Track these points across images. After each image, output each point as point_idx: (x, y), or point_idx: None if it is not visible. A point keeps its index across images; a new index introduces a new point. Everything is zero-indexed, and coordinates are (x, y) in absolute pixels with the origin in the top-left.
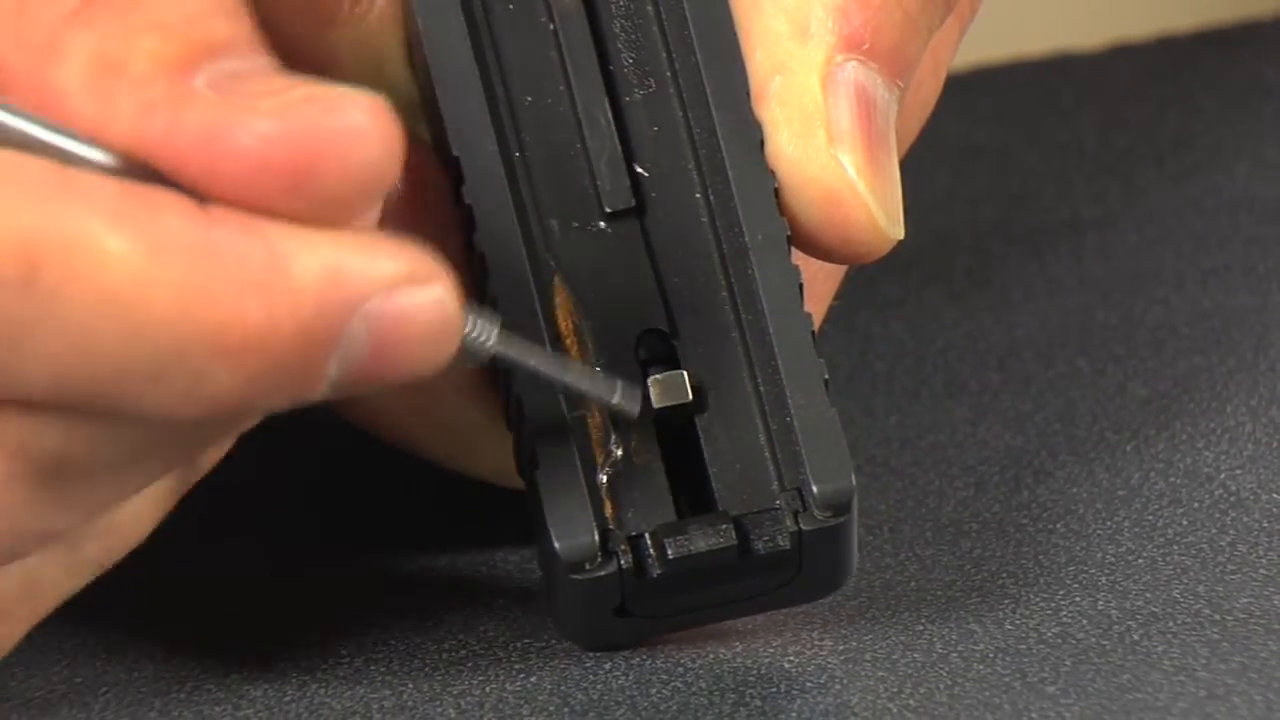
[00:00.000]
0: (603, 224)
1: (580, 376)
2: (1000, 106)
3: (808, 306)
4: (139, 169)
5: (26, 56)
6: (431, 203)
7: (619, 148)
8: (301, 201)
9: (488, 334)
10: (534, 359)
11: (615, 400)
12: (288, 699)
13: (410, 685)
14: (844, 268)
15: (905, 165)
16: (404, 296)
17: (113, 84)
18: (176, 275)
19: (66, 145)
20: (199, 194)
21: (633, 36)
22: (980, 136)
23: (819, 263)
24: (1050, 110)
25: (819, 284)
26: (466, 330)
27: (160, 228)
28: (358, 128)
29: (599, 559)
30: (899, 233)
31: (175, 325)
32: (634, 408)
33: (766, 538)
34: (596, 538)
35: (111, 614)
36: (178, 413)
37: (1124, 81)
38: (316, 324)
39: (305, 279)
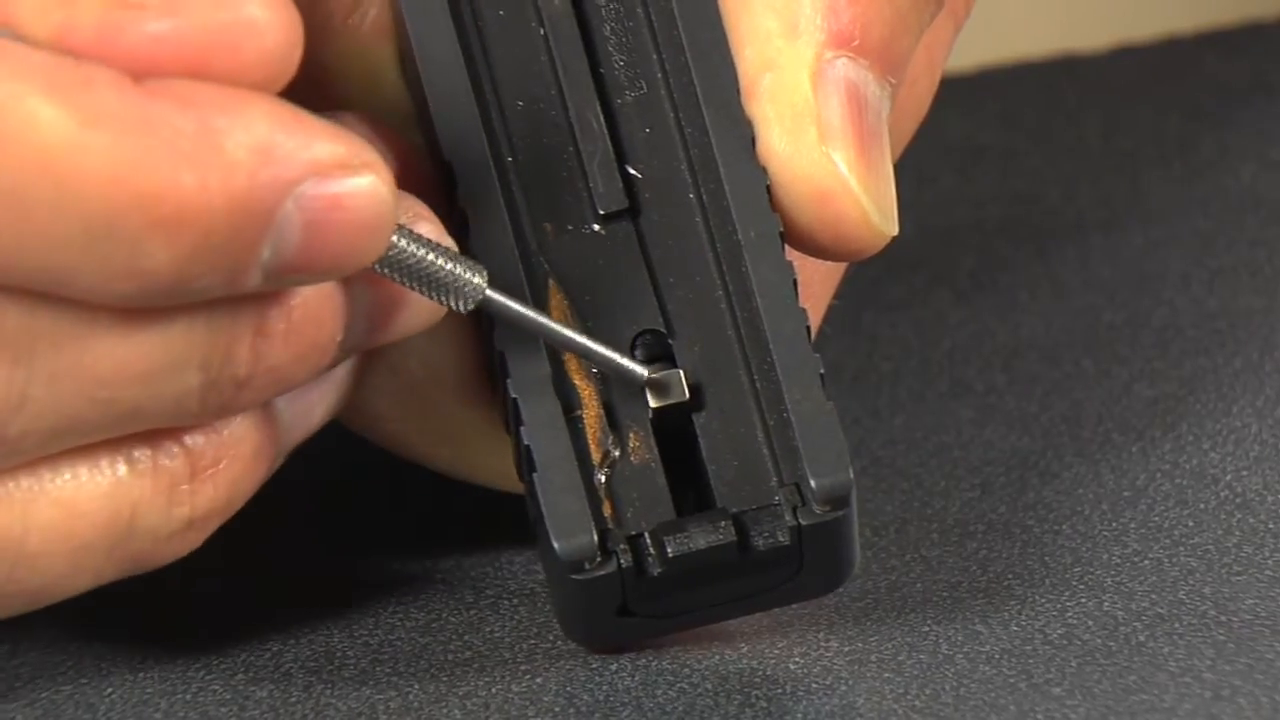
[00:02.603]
0: (596, 226)
1: (577, 336)
2: (1005, 108)
3: (805, 305)
4: None
5: None
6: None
7: (611, 150)
8: None
9: (476, 281)
10: (527, 313)
11: (620, 362)
12: (293, 700)
13: (416, 686)
14: (842, 267)
15: (909, 166)
16: (337, 183)
17: None
18: (109, 143)
19: None
20: None
21: (623, 39)
22: (985, 138)
23: (816, 262)
24: (1055, 111)
25: (817, 284)
26: (453, 273)
27: (93, 97)
28: (251, 19)
29: (598, 559)
30: (893, 229)
31: (108, 194)
32: (637, 376)
33: (766, 534)
34: (595, 537)
35: (116, 615)
36: (112, 288)
37: (1128, 83)
38: (250, 199)
39: (238, 154)
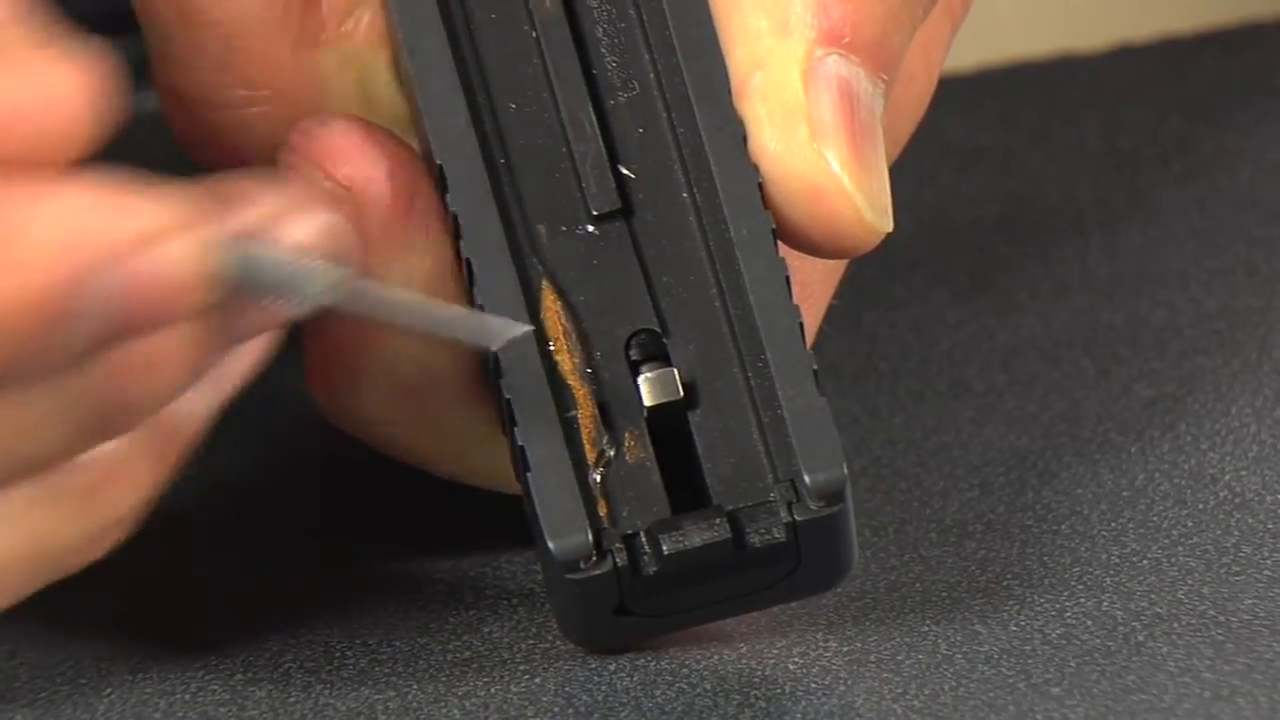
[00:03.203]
0: (590, 227)
1: (450, 318)
2: (1004, 108)
3: (805, 304)
4: None
5: None
6: (424, 211)
7: (604, 150)
8: None
9: (335, 285)
10: (393, 304)
11: (489, 340)
12: (292, 700)
13: (415, 687)
14: (842, 266)
15: (908, 166)
16: (148, 255)
17: None
18: None
19: None
20: None
21: (615, 40)
22: (984, 138)
23: (816, 261)
24: (1054, 111)
25: (816, 283)
26: (319, 282)
27: None
28: (47, 91)
29: (594, 558)
30: (887, 226)
31: None
32: (503, 336)
33: (761, 530)
34: (590, 537)
35: (116, 616)
36: None
37: (1127, 83)
38: (50, 296)
39: (36, 253)
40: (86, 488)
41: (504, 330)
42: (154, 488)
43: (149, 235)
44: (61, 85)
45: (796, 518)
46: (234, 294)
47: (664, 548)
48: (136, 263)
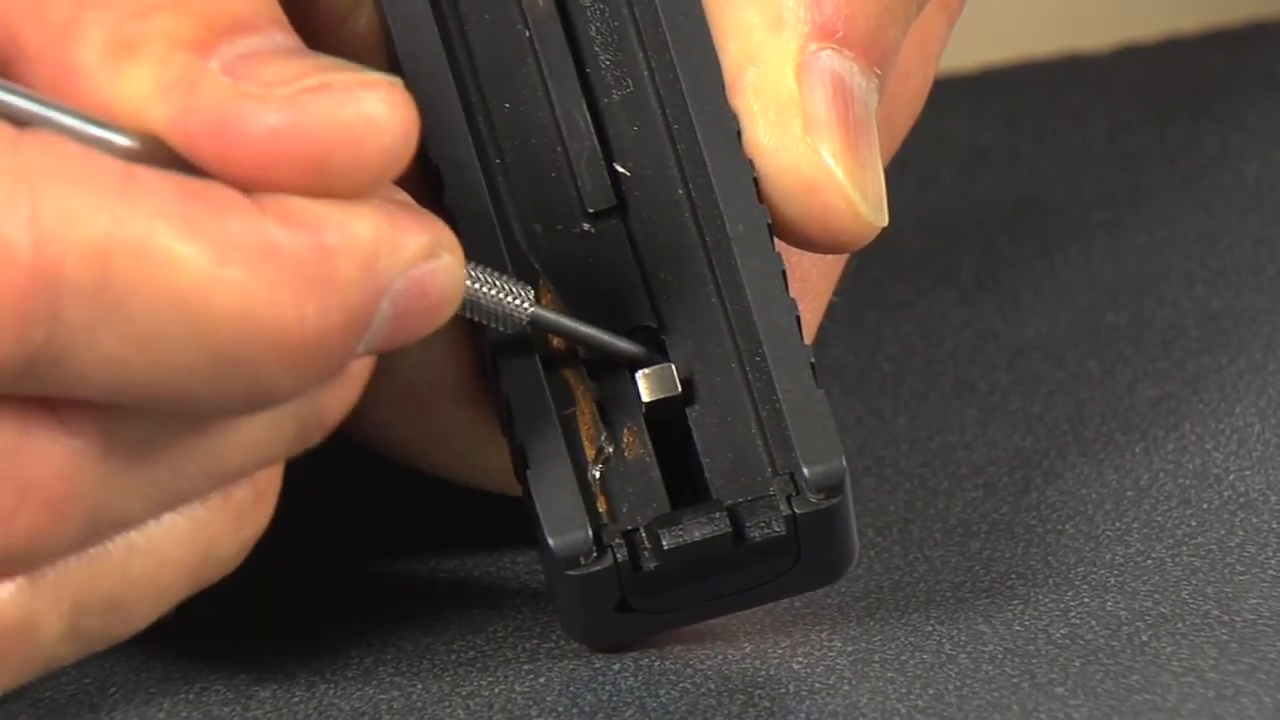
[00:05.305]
0: (586, 225)
1: (605, 335)
2: (1008, 107)
3: (805, 300)
4: (157, 151)
5: (45, 35)
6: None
7: (598, 148)
8: (312, 189)
9: (525, 301)
10: (568, 323)
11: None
12: (296, 700)
13: (419, 686)
14: (841, 262)
15: (912, 166)
16: (421, 270)
17: (128, 64)
18: (239, 279)
19: (88, 130)
20: (212, 175)
21: (608, 39)
22: (988, 137)
23: (814, 257)
24: (1058, 111)
25: (816, 280)
26: (505, 299)
27: (224, 230)
28: (371, 117)
29: (594, 554)
30: (882, 220)
31: (238, 328)
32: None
33: (761, 524)
34: (590, 533)
35: None
36: (229, 408)
37: (1132, 82)
38: (358, 314)
39: (351, 274)
40: (249, 500)
41: (634, 347)
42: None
43: (427, 251)
44: (382, 111)
45: (796, 510)
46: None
47: (664, 543)
48: (416, 275)
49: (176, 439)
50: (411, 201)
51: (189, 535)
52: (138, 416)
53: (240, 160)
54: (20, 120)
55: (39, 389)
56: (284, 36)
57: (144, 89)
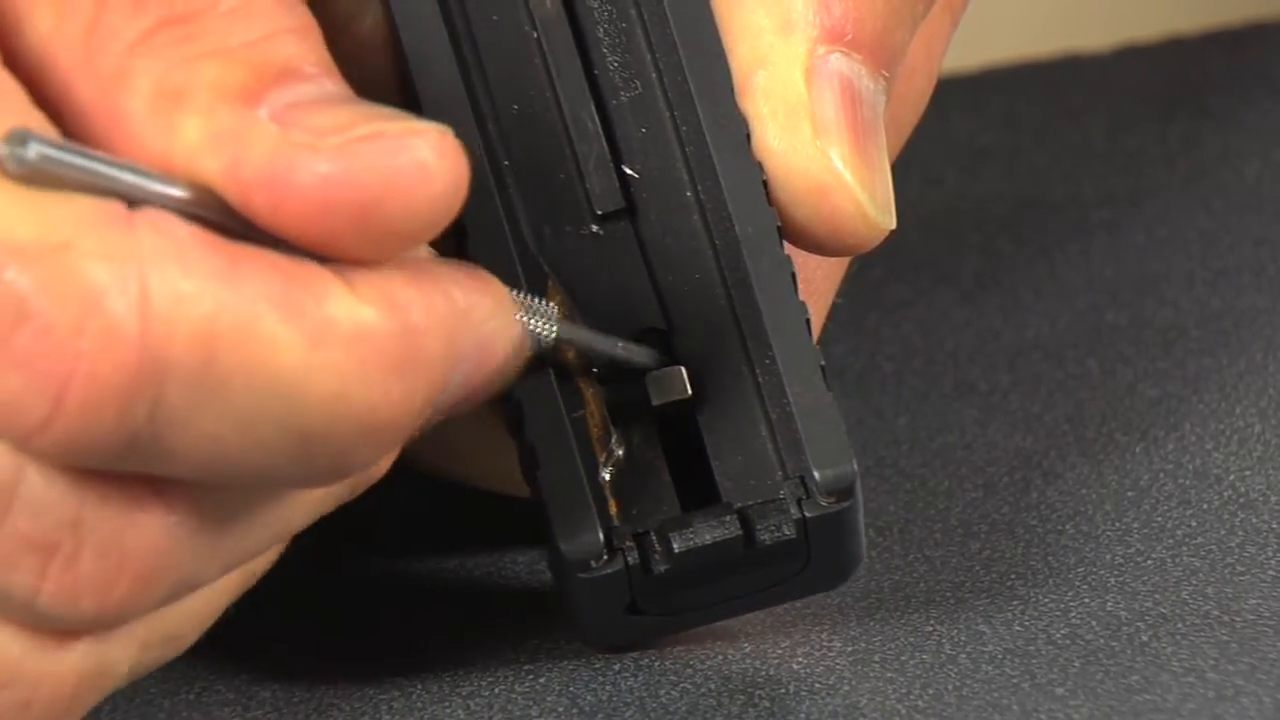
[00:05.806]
0: (595, 226)
1: (625, 347)
2: (1009, 108)
3: (808, 301)
4: (211, 201)
5: (94, 85)
6: None
7: (607, 150)
8: (365, 238)
9: (549, 320)
10: (586, 336)
11: (650, 365)
12: (296, 700)
13: (419, 686)
14: (844, 265)
15: (913, 166)
16: (482, 335)
17: (177, 114)
18: (334, 363)
19: (144, 184)
20: (263, 226)
21: (616, 40)
22: (989, 138)
23: (818, 260)
24: (1059, 111)
25: (819, 281)
26: (531, 322)
27: (322, 313)
28: (423, 163)
29: (604, 557)
30: (890, 223)
31: (329, 411)
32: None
33: (771, 527)
34: (601, 536)
35: None
36: (310, 482)
37: (1132, 83)
38: (438, 387)
39: (435, 350)
40: (297, 527)
41: (649, 357)
42: None
43: (488, 315)
44: (432, 159)
45: (806, 514)
46: None
47: (674, 546)
48: (480, 342)
49: (254, 508)
50: (455, 262)
51: (242, 571)
52: (224, 491)
53: (292, 210)
54: (74, 178)
55: (135, 466)
56: (334, 84)
57: (194, 140)
